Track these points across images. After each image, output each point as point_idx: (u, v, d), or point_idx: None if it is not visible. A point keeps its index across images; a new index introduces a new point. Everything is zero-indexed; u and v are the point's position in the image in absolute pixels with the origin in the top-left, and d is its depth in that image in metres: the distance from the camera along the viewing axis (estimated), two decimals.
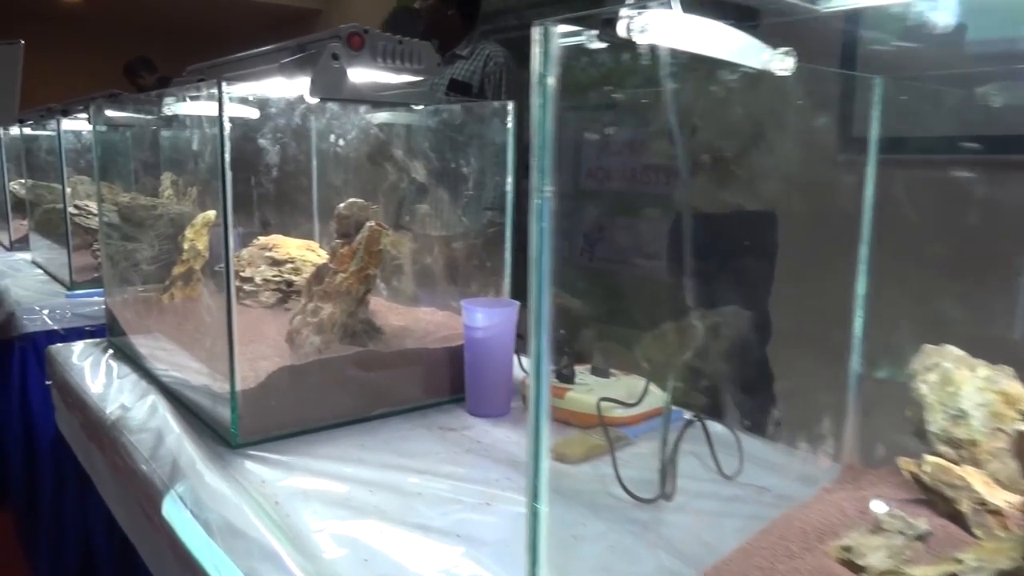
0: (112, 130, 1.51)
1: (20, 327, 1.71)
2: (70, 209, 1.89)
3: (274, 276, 1.29)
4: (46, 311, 1.73)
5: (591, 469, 0.83)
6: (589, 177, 3.04)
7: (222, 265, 0.87)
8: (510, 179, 1.11)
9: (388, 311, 1.23)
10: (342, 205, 1.07)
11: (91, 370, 1.22)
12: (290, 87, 0.98)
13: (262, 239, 1.35)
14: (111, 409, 1.05)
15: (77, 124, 1.94)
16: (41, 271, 2.16)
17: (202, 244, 1.27)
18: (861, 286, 0.76)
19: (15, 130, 2.64)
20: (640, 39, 0.48)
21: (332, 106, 1.25)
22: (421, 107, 1.21)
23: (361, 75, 0.97)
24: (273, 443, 0.90)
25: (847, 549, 0.58)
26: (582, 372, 1.04)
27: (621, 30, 0.48)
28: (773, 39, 0.64)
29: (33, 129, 2.42)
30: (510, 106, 1.10)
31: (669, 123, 0.63)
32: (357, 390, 0.99)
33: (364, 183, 1.36)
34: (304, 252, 1.34)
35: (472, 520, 0.73)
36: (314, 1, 5.63)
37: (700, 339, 0.71)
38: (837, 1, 0.62)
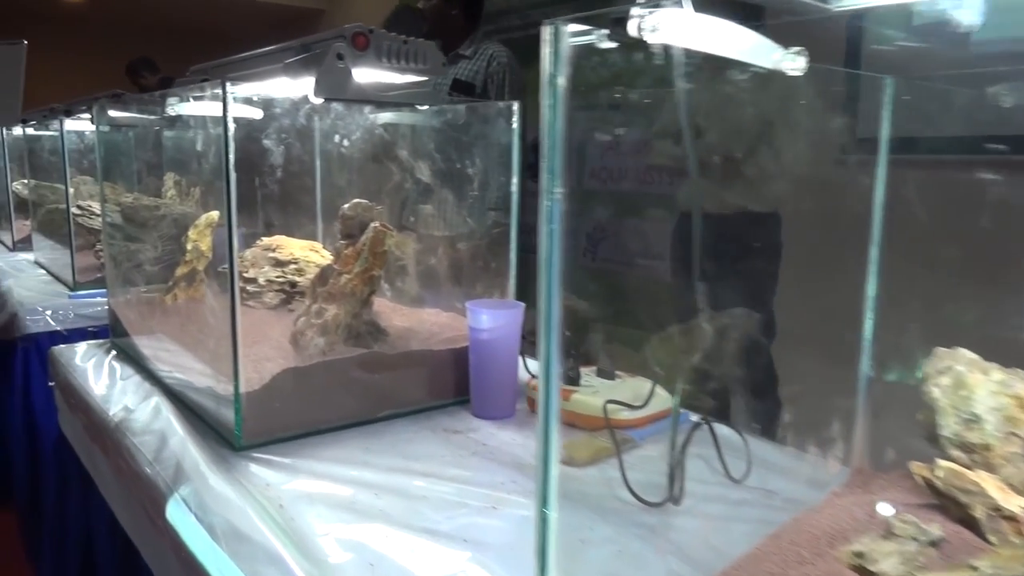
0: (115, 130, 1.51)
1: (23, 328, 1.71)
2: (73, 209, 1.89)
3: (277, 277, 1.29)
4: (49, 312, 1.73)
5: (597, 472, 0.83)
6: (592, 177, 3.04)
7: (226, 266, 0.87)
8: (515, 179, 1.11)
9: (392, 312, 1.23)
10: (346, 206, 1.06)
11: (94, 371, 1.22)
12: (294, 87, 0.98)
13: (265, 240, 1.34)
14: (114, 411, 1.04)
15: (80, 124, 1.93)
16: (44, 272, 2.16)
17: (205, 245, 1.26)
18: (871, 288, 0.75)
19: (18, 130, 2.64)
20: (651, 38, 0.48)
21: (336, 106, 1.24)
22: (426, 107, 1.20)
23: (366, 75, 0.96)
24: (277, 445, 0.90)
25: (859, 555, 0.57)
26: (587, 374, 1.03)
27: (632, 29, 0.47)
28: (778, 38, 0.63)
29: (36, 129, 2.42)
30: (515, 106, 1.10)
31: (676, 124, 0.62)
32: (362, 392, 0.98)
33: (368, 184, 1.35)
34: (307, 253, 1.33)
35: (479, 524, 0.72)
36: (316, 1, 5.62)
37: (709, 341, 0.71)
38: (849, 0, 0.61)
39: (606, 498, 0.77)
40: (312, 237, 1.43)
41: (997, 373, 0.63)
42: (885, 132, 0.73)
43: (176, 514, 0.78)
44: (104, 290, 1.50)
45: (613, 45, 0.49)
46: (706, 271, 0.67)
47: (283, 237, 1.35)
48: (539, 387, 0.49)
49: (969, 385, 0.62)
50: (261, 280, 1.27)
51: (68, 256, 1.88)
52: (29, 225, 2.52)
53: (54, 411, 1.36)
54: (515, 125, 1.10)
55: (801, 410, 0.82)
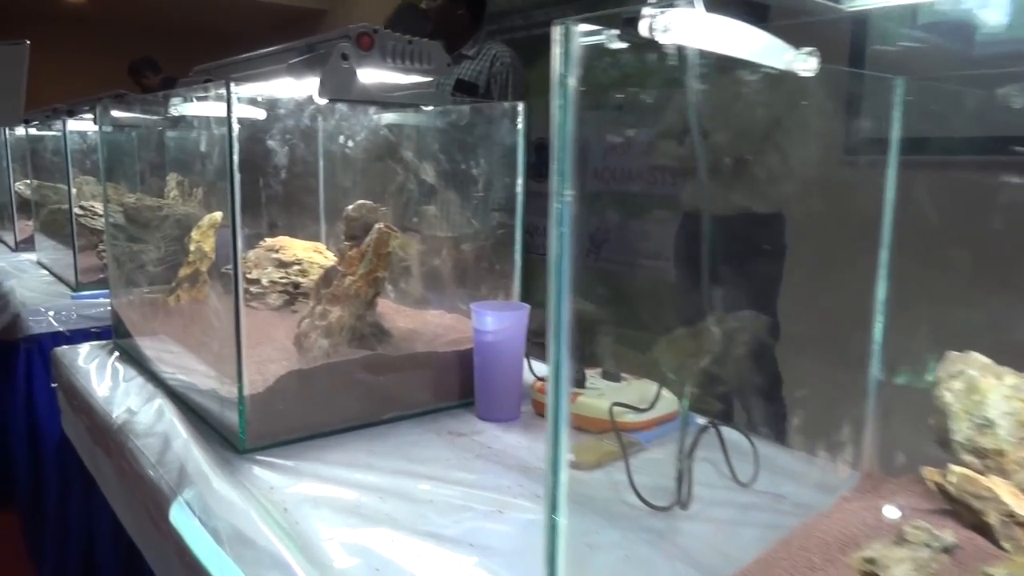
0: (118, 130, 1.50)
1: (25, 328, 1.70)
2: (75, 210, 1.89)
3: (281, 278, 1.28)
4: (51, 312, 1.73)
5: (604, 476, 0.82)
6: (595, 177, 3.03)
7: (229, 267, 0.86)
8: (520, 180, 1.10)
9: (396, 314, 1.22)
10: (350, 207, 1.06)
11: (97, 373, 1.21)
12: (299, 88, 0.97)
13: (269, 240, 1.34)
14: (117, 413, 1.04)
15: (83, 124, 1.93)
16: (46, 272, 2.16)
17: (208, 246, 1.26)
18: (881, 290, 0.75)
19: (20, 130, 2.64)
20: (663, 39, 0.47)
21: (340, 107, 1.24)
22: (430, 108, 1.20)
23: (370, 75, 0.96)
24: (281, 448, 0.89)
25: (871, 561, 0.56)
26: (593, 376, 1.03)
27: (643, 29, 0.47)
28: (782, 39, 0.62)
29: (38, 129, 2.41)
30: (520, 107, 1.09)
31: (680, 124, 0.61)
32: (366, 394, 0.98)
33: (372, 184, 1.34)
34: (311, 254, 1.33)
35: (485, 528, 0.72)
36: (319, 1, 5.62)
37: (717, 344, 0.70)
38: (861, 0, 0.61)
39: (613, 502, 0.76)
40: (315, 238, 1.43)
41: (1010, 377, 0.62)
42: (896, 133, 0.73)
43: (180, 517, 0.78)
44: (107, 291, 1.50)
45: (623, 45, 0.48)
46: (711, 272, 0.67)
47: (286, 238, 1.35)
48: (548, 392, 0.48)
49: (982, 390, 0.61)
50: (264, 281, 1.27)
51: (71, 256, 1.88)
52: (32, 225, 2.52)
53: (56, 412, 1.36)
54: (520, 126, 1.09)
55: (810, 413, 0.82)
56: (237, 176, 0.83)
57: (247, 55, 1.06)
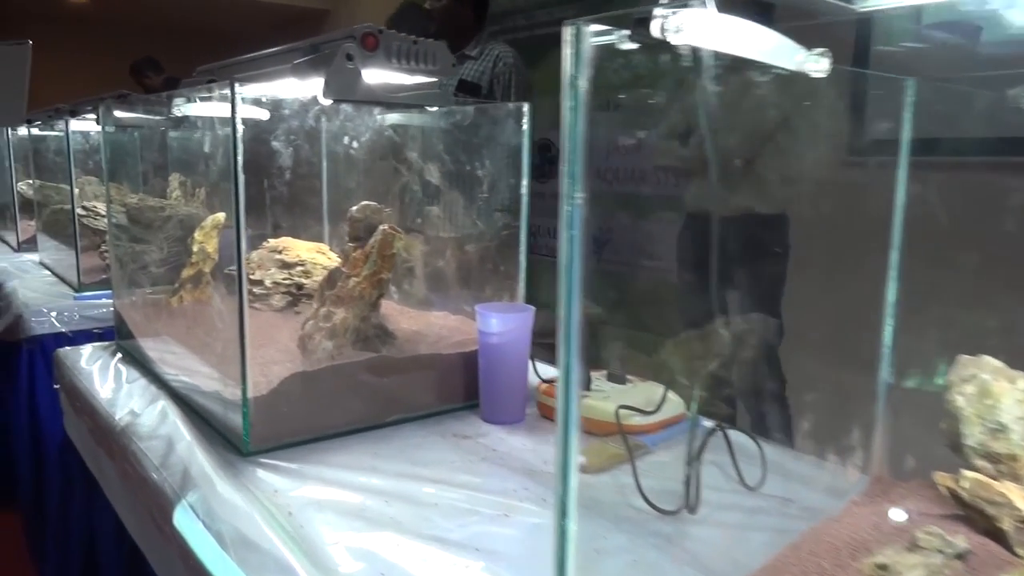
0: (120, 131, 1.50)
1: (28, 329, 1.70)
2: (78, 210, 1.88)
3: (284, 279, 1.27)
4: (54, 313, 1.72)
5: (610, 479, 0.81)
6: (598, 178, 3.02)
7: (233, 268, 0.86)
8: (525, 182, 1.09)
9: (400, 315, 1.22)
10: (355, 208, 1.05)
11: (100, 374, 1.21)
12: (303, 88, 0.97)
13: (272, 241, 1.33)
14: (120, 415, 1.03)
15: (85, 125, 1.93)
16: (49, 272, 2.15)
17: (212, 246, 1.25)
18: (891, 292, 0.74)
19: (23, 130, 2.64)
20: (675, 39, 0.46)
21: (345, 107, 1.23)
22: (435, 109, 1.19)
23: (375, 76, 0.95)
24: (285, 451, 0.89)
25: (882, 567, 0.56)
26: (598, 378, 1.02)
27: (655, 30, 0.46)
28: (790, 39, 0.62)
29: (41, 129, 2.41)
30: (525, 107, 1.09)
31: (684, 125, 0.61)
32: (370, 396, 0.97)
33: (376, 185, 1.34)
34: (315, 255, 1.32)
35: (490, 532, 0.71)
36: (322, 1, 5.62)
37: (726, 346, 0.69)
38: (873, 1, 0.60)
39: (620, 506, 0.76)
40: (319, 239, 1.42)
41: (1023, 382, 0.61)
42: (906, 134, 0.72)
43: (183, 521, 0.77)
44: (109, 291, 1.49)
45: (634, 46, 0.48)
46: (715, 273, 0.66)
47: (290, 239, 1.34)
48: (558, 397, 0.47)
49: (995, 394, 0.60)
50: (268, 282, 1.26)
51: (73, 257, 1.87)
52: (34, 226, 2.51)
53: (59, 414, 1.35)
54: (525, 126, 1.09)
55: (819, 416, 0.81)
56: (241, 177, 0.82)
57: (251, 55, 1.05)
